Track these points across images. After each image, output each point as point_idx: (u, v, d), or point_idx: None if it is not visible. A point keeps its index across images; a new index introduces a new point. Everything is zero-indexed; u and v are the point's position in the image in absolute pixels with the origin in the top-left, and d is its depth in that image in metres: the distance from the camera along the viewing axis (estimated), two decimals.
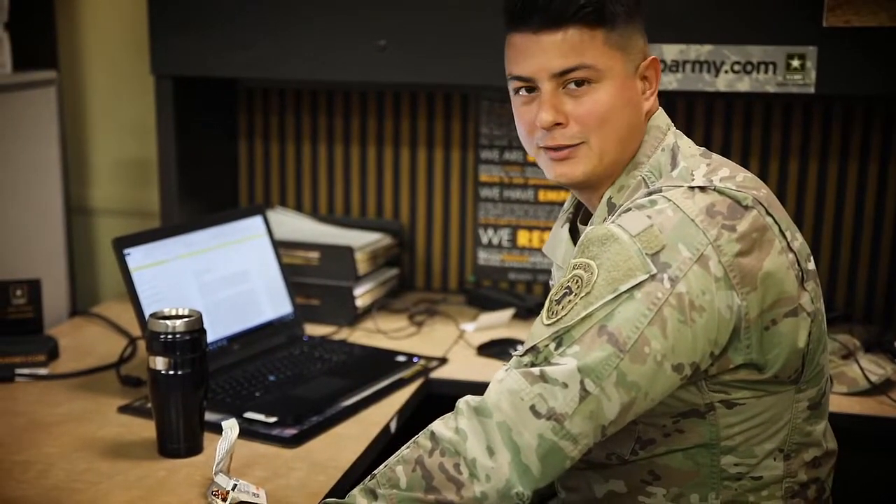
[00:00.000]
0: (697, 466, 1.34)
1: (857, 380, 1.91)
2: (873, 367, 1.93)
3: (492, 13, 2.06)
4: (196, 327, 1.58)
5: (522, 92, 1.38)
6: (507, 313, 2.34)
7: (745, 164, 2.37)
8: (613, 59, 1.34)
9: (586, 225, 1.45)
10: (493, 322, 2.31)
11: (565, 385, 1.19)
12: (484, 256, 2.56)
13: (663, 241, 1.23)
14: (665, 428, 1.33)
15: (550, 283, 1.60)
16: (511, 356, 2.04)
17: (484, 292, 2.50)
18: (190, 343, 1.56)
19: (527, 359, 1.24)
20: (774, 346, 1.27)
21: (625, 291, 1.21)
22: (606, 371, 1.19)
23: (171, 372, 1.56)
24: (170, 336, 1.55)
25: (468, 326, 2.30)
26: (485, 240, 2.55)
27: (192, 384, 1.57)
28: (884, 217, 2.33)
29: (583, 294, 1.23)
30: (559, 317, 1.23)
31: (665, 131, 1.40)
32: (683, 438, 1.33)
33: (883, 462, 2.04)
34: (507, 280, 2.55)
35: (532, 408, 1.20)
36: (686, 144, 1.40)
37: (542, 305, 2.31)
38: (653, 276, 1.21)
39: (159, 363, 1.56)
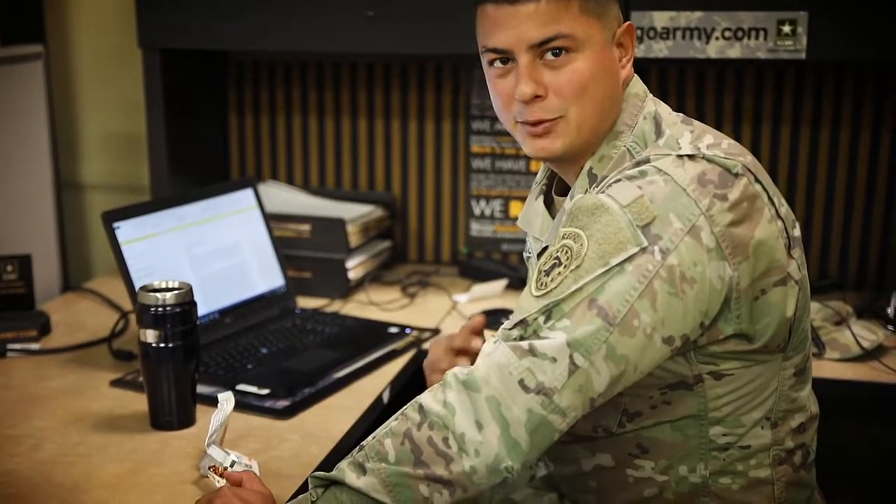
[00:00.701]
0: (686, 438, 1.33)
1: (850, 346, 1.91)
2: (865, 333, 1.94)
3: None
4: (186, 299, 1.57)
5: (497, 64, 1.34)
6: (500, 284, 2.34)
7: (736, 131, 2.36)
8: (591, 27, 1.31)
9: (563, 196, 1.43)
10: (486, 293, 2.31)
11: (554, 359, 1.18)
12: (476, 227, 2.55)
13: (654, 211, 1.21)
14: (652, 400, 1.32)
15: (525, 254, 1.58)
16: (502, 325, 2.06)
17: (476, 263, 2.49)
18: (180, 315, 1.56)
19: (516, 332, 1.23)
20: (764, 315, 1.27)
21: (616, 265, 1.20)
22: (595, 345, 1.18)
23: (162, 344, 1.55)
24: (160, 308, 1.55)
25: (461, 298, 2.30)
26: (477, 211, 2.54)
27: (183, 356, 1.57)
28: (876, 183, 2.32)
29: (573, 266, 1.21)
30: (549, 289, 1.22)
31: (643, 98, 1.38)
32: (671, 410, 1.33)
33: (875, 427, 2.05)
34: (500, 251, 2.55)
35: (521, 382, 1.19)
36: (665, 111, 1.38)
37: None
38: (644, 249, 1.20)
39: (150, 336, 1.56)
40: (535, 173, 2.46)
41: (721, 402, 1.31)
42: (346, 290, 2.31)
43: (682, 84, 2.37)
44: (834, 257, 2.38)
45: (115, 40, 2.63)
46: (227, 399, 1.46)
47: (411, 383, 1.89)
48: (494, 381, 1.20)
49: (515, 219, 2.48)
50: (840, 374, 1.86)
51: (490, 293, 2.31)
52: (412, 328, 2.07)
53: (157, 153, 2.37)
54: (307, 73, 2.58)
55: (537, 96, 1.32)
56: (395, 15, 2.13)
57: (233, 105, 2.64)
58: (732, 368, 1.29)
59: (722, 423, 1.32)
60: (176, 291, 1.57)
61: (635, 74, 1.40)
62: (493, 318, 2.14)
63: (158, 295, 1.55)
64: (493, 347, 1.23)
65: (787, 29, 1.96)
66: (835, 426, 2.03)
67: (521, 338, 1.22)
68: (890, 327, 2.03)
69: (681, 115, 1.39)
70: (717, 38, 1.99)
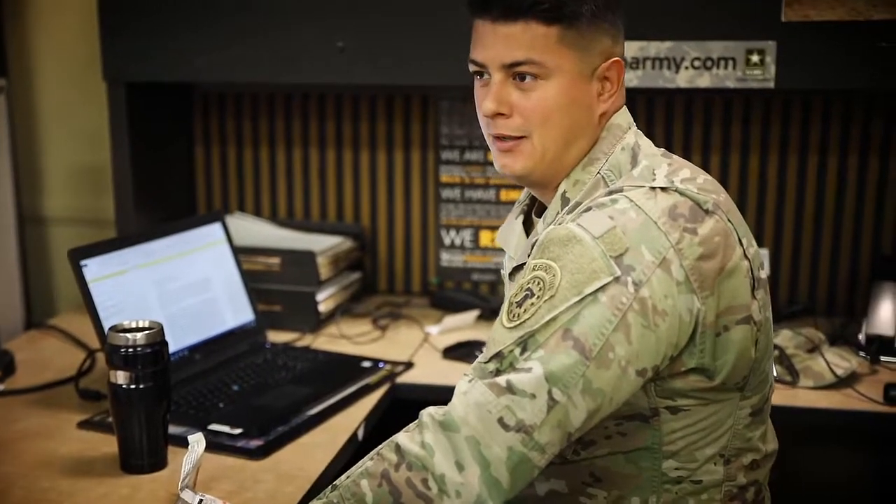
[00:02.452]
0: (639, 470, 1.33)
1: (823, 374, 1.91)
2: (838, 361, 1.94)
3: (450, 14, 2.05)
4: (157, 339, 1.54)
5: (478, 76, 1.39)
6: (472, 315, 2.33)
7: (705, 159, 2.37)
8: (565, 57, 1.33)
9: (540, 217, 1.44)
10: (458, 324, 2.30)
11: (533, 396, 1.18)
12: (447, 258, 2.54)
13: (626, 243, 1.22)
14: (607, 430, 1.32)
15: (502, 271, 1.58)
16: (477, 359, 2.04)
17: (448, 294, 2.48)
18: (151, 356, 1.53)
19: (491, 365, 1.22)
20: (724, 352, 1.27)
21: (589, 294, 1.20)
22: (573, 379, 1.18)
23: (133, 386, 1.52)
24: (130, 349, 1.52)
25: (433, 329, 2.28)
26: (447, 241, 2.53)
27: (155, 398, 1.54)
28: (844, 208, 2.34)
29: (546, 297, 1.21)
30: (522, 320, 1.21)
31: (626, 130, 1.39)
32: (625, 441, 1.33)
33: (851, 454, 2.06)
34: (471, 281, 2.53)
35: (500, 420, 1.18)
36: (647, 144, 1.40)
37: None
38: (617, 279, 1.20)
39: (120, 377, 1.52)
40: (506, 203, 2.47)
41: (675, 437, 1.31)
42: (317, 323, 2.28)
43: (651, 113, 2.38)
44: (803, 282, 2.39)
45: (79, 72, 2.59)
46: (197, 441, 1.43)
47: (386, 419, 1.86)
48: (473, 420, 1.19)
49: (486, 248, 2.49)
50: (814, 403, 1.86)
51: (462, 324, 2.30)
52: (385, 362, 2.05)
53: (122, 186, 2.34)
54: (275, 104, 2.56)
55: (501, 114, 1.35)
56: (365, 46, 2.12)
57: (199, 137, 2.61)
58: (689, 404, 1.30)
59: (675, 457, 1.32)
60: (147, 331, 1.54)
61: (624, 106, 1.41)
62: (467, 349, 2.12)
63: (129, 335, 1.52)
64: (469, 386, 1.22)
65: (755, 59, 1.97)
66: (811, 453, 2.04)
67: (498, 371, 1.21)
68: (862, 354, 2.04)
69: (662, 149, 1.40)
70: (686, 68, 2.00)
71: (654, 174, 1.32)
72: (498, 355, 1.22)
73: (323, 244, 2.37)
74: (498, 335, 1.24)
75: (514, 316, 1.23)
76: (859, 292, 2.34)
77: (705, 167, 2.36)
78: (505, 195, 2.47)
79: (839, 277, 2.37)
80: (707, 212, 1.27)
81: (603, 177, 1.35)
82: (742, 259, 1.28)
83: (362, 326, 2.31)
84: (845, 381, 1.90)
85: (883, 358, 2.02)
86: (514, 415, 1.18)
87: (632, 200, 1.26)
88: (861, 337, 2.08)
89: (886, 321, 2.06)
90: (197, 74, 2.25)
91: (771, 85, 1.99)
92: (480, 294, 2.49)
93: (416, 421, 1.25)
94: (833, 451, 2.03)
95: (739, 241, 1.29)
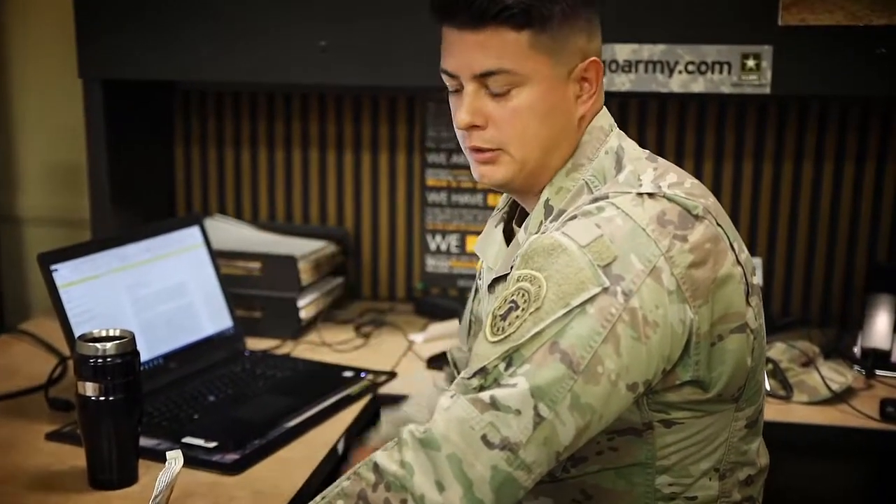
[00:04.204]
0: (631, 486, 1.28)
1: (818, 388, 1.87)
2: (834, 375, 1.90)
3: None
4: (128, 349, 1.48)
5: (452, 86, 1.33)
6: (457, 322, 2.27)
7: (698, 165, 2.33)
8: (539, 62, 1.26)
9: (521, 226, 1.38)
10: (443, 332, 2.24)
11: (518, 412, 1.12)
12: (432, 263, 2.48)
13: (615, 252, 1.17)
14: (599, 445, 1.27)
15: (478, 281, 1.52)
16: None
17: (433, 300, 2.43)
18: (122, 367, 1.47)
19: (475, 381, 1.16)
20: (720, 363, 1.22)
21: (577, 306, 1.14)
22: (560, 394, 1.13)
23: (102, 398, 1.46)
24: (100, 360, 1.45)
25: (417, 337, 2.22)
26: (433, 246, 2.47)
27: (125, 410, 1.48)
28: (839, 218, 2.30)
29: (532, 309, 1.16)
30: (507, 334, 1.16)
31: (608, 132, 1.33)
32: (617, 457, 1.28)
33: (846, 471, 2.02)
34: (457, 287, 2.48)
35: (483, 437, 1.12)
36: (631, 146, 1.34)
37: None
38: (606, 290, 1.15)
39: (89, 389, 1.46)
40: (493, 207, 2.41)
41: (669, 451, 1.27)
42: (298, 329, 2.22)
43: (643, 117, 2.33)
44: (797, 294, 2.34)
45: (55, 67, 2.53)
46: (175, 458, 1.37)
47: (367, 432, 1.80)
48: (455, 437, 1.13)
49: (473, 254, 2.43)
50: (809, 418, 1.82)
51: (447, 332, 2.24)
52: (367, 371, 1.99)
53: (98, 186, 2.28)
54: (257, 104, 2.50)
55: (476, 125, 1.29)
56: (349, 46, 2.07)
57: (179, 136, 2.55)
58: (684, 417, 1.25)
59: (669, 472, 1.27)
60: (117, 341, 1.47)
61: (604, 107, 1.35)
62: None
63: (98, 345, 1.46)
64: (451, 402, 1.16)
65: (751, 63, 1.92)
66: (805, 470, 1.99)
67: (482, 387, 1.16)
68: (857, 368, 1.99)
69: (647, 151, 1.34)
70: (680, 72, 1.95)
71: (640, 179, 1.26)
72: (482, 371, 1.16)
73: (305, 248, 2.31)
74: (482, 350, 1.18)
75: (498, 330, 1.17)
76: (854, 303, 2.30)
77: (698, 174, 2.31)
78: (493, 199, 2.42)
79: (833, 287, 2.33)
80: (697, 217, 1.21)
81: (587, 183, 1.30)
82: (735, 265, 1.23)
83: (345, 334, 2.25)
84: (840, 397, 1.86)
85: (878, 372, 1.98)
86: (499, 432, 1.12)
87: (619, 207, 1.21)
88: (856, 350, 2.04)
89: (882, 334, 2.02)
90: (176, 73, 2.19)
91: (767, 90, 1.94)
92: (466, 300, 2.43)
93: (395, 438, 1.19)
94: (828, 467, 1.99)
95: (731, 245, 1.24)
